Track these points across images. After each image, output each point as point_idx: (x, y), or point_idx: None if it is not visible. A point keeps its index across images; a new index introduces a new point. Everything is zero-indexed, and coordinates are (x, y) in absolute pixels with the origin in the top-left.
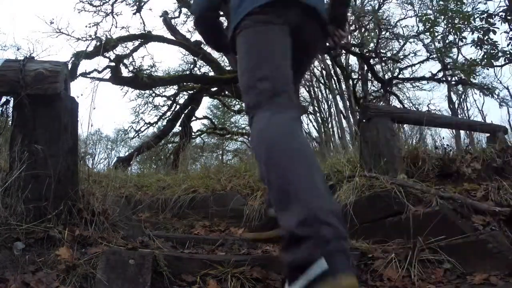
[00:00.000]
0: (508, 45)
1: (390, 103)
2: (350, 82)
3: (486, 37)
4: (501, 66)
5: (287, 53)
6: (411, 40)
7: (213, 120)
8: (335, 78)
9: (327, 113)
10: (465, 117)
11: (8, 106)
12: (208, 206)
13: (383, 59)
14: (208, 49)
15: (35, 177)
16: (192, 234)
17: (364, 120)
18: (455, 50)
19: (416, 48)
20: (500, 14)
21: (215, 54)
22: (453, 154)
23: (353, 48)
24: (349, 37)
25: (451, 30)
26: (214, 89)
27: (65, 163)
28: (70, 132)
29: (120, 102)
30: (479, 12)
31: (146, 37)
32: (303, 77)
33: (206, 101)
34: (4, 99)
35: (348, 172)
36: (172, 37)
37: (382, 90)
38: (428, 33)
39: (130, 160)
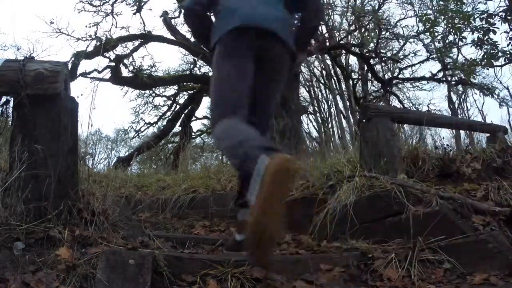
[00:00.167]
0: (508, 45)
1: (390, 103)
2: (350, 82)
3: (486, 37)
4: (501, 66)
5: (245, 77)
6: (411, 40)
7: None
8: (335, 78)
9: (327, 113)
10: (465, 117)
11: (8, 106)
12: (208, 206)
13: (383, 59)
14: None
15: (35, 177)
16: (192, 234)
17: (364, 120)
18: (455, 50)
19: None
20: (500, 14)
21: None
22: (453, 154)
23: (353, 48)
24: (349, 37)
25: (451, 30)
26: None
27: (65, 163)
28: (70, 132)
29: (120, 102)
30: (479, 12)
31: (146, 37)
32: (279, 90)
33: (206, 101)
34: (4, 99)
35: (348, 172)
36: (172, 37)
37: (382, 90)
38: (428, 33)
39: (130, 160)
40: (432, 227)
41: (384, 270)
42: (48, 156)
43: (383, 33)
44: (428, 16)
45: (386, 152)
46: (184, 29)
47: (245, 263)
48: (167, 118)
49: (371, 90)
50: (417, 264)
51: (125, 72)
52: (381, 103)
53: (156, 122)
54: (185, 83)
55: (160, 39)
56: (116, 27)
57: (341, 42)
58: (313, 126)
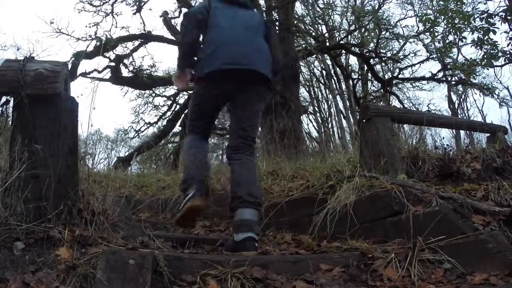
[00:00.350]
0: (508, 45)
1: (390, 103)
2: (350, 82)
3: (486, 37)
4: (501, 66)
5: (213, 112)
6: (411, 40)
7: None
8: (335, 78)
9: (327, 113)
10: (465, 117)
11: (8, 106)
12: (208, 206)
13: (383, 59)
14: None
15: (35, 177)
16: (192, 234)
17: (364, 120)
18: (455, 50)
19: (416, 48)
20: (500, 14)
21: None
22: (453, 154)
23: (353, 48)
24: (349, 37)
25: (451, 30)
26: None
27: (65, 163)
28: (70, 132)
29: (120, 102)
30: (479, 12)
31: (146, 37)
32: (261, 109)
33: None
34: (4, 99)
35: (348, 172)
36: (172, 37)
37: (382, 90)
38: (428, 33)
39: (130, 160)
40: (432, 227)
41: (384, 270)
42: (48, 156)
43: (383, 33)
44: (428, 16)
45: (386, 152)
46: None
47: (245, 263)
48: (167, 118)
49: (371, 90)
50: (417, 264)
51: (125, 72)
52: (381, 103)
53: (156, 122)
54: None
55: (160, 39)
56: (116, 27)
57: (341, 42)
58: (313, 126)
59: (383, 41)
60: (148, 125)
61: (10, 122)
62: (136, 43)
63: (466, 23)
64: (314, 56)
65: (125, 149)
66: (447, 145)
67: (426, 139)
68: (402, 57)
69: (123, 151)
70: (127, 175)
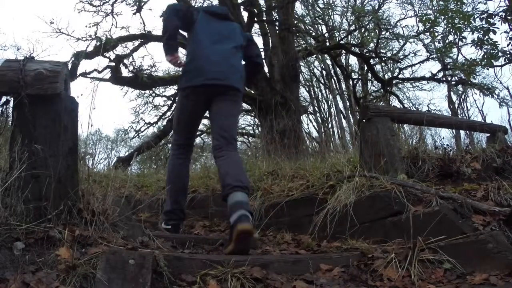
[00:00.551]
0: (508, 45)
1: (390, 103)
2: (350, 82)
3: (486, 37)
4: (501, 66)
5: (196, 120)
6: (411, 40)
7: None
8: (335, 78)
9: (327, 113)
10: (465, 117)
11: (8, 106)
12: (208, 206)
13: (383, 59)
14: None
15: (35, 177)
16: (192, 234)
17: (364, 120)
18: (455, 50)
19: (416, 48)
20: (500, 14)
21: None
22: (453, 154)
23: (353, 48)
24: (349, 37)
25: (451, 30)
26: None
27: (65, 163)
28: (70, 132)
29: (120, 102)
30: (479, 12)
31: (146, 37)
32: (237, 114)
33: None
34: (4, 99)
35: (348, 172)
36: None
37: (382, 90)
38: (428, 33)
39: (130, 160)
40: (432, 227)
41: (384, 270)
42: (48, 156)
43: (383, 33)
44: (428, 16)
45: (386, 152)
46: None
47: (245, 263)
48: (167, 118)
49: (371, 90)
50: (417, 264)
51: (125, 72)
52: (381, 103)
53: (156, 122)
54: None
55: (160, 39)
56: (116, 27)
57: (341, 42)
58: (313, 126)
59: (383, 41)
60: (148, 125)
61: (10, 122)
62: (136, 43)
63: (466, 23)
64: (314, 56)
65: (125, 149)
66: (447, 145)
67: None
68: (402, 57)
69: (123, 151)
70: (127, 175)
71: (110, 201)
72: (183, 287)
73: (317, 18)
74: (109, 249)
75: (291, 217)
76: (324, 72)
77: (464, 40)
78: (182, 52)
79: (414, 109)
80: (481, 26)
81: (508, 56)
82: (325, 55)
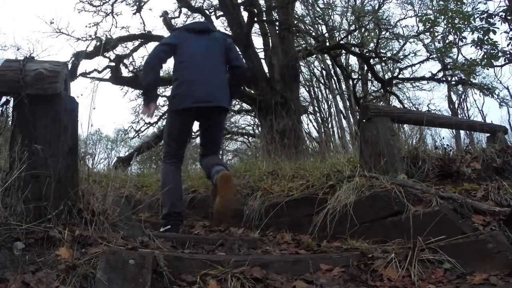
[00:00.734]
0: (508, 45)
1: (390, 103)
2: (350, 82)
3: (486, 37)
4: (501, 66)
5: (185, 135)
6: (411, 40)
7: None
8: (335, 78)
9: (327, 113)
10: (465, 117)
11: (8, 106)
12: (208, 206)
13: (383, 59)
14: None
15: (35, 177)
16: (192, 234)
17: (364, 120)
18: (455, 50)
19: (416, 48)
20: (500, 14)
21: None
22: (453, 154)
23: (353, 48)
24: (349, 37)
25: (451, 30)
26: None
27: (65, 163)
28: (70, 132)
29: (120, 102)
30: (479, 12)
31: (146, 37)
32: (223, 128)
33: None
34: (4, 99)
35: (348, 172)
36: None
37: (382, 90)
38: (428, 33)
39: (130, 160)
40: (432, 227)
41: (384, 270)
42: (48, 156)
43: (383, 33)
44: (428, 16)
45: (386, 152)
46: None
47: (245, 263)
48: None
49: (371, 90)
50: (417, 264)
51: (125, 72)
52: (381, 103)
53: (156, 122)
54: None
55: (160, 39)
56: (116, 27)
57: (341, 42)
58: (313, 126)
59: (383, 41)
60: (148, 125)
61: (10, 122)
62: (136, 43)
63: (466, 23)
64: (314, 56)
65: (125, 149)
66: (447, 145)
67: (426, 139)
68: (402, 57)
69: (123, 151)
70: (127, 175)
71: (110, 201)
72: (183, 287)
73: (317, 18)
74: (109, 249)
75: (291, 217)
76: (324, 72)
77: (464, 40)
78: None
79: (414, 109)
80: (481, 26)
81: (508, 56)
82: (325, 55)
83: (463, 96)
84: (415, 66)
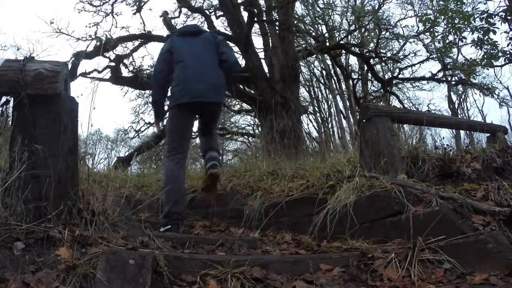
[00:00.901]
0: (508, 45)
1: (390, 103)
2: (350, 82)
3: (486, 37)
4: (501, 66)
5: (186, 128)
6: (411, 40)
7: None
8: (335, 78)
9: (327, 113)
10: (465, 117)
11: (8, 106)
12: (208, 206)
13: (383, 59)
14: None
15: (35, 177)
16: (192, 234)
17: (364, 120)
18: (455, 50)
19: (416, 48)
20: (500, 14)
21: None
22: (453, 154)
23: (353, 48)
24: (349, 37)
25: (451, 30)
26: None
27: (65, 163)
28: (70, 132)
29: (120, 102)
30: (479, 12)
31: (146, 37)
32: (218, 119)
33: None
34: (4, 99)
35: (348, 172)
36: None
37: (382, 90)
38: (428, 33)
39: (130, 160)
40: (432, 227)
41: (384, 270)
42: (48, 156)
43: (383, 33)
44: (428, 16)
45: (386, 152)
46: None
47: (245, 263)
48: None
49: (371, 90)
50: (417, 264)
51: (125, 72)
52: (381, 103)
53: None
54: None
55: (160, 39)
56: (116, 27)
57: (341, 42)
58: (313, 126)
59: (383, 41)
60: (148, 125)
61: (10, 122)
62: (136, 43)
63: (466, 23)
64: (314, 56)
65: (125, 149)
66: (447, 145)
67: (426, 139)
68: (402, 57)
69: (123, 151)
70: (127, 175)
71: (110, 201)
72: (183, 287)
73: (317, 18)
74: (109, 249)
75: (291, 217)
76: (324, 72)
77: (464, 40)
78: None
79: (414, 109)
80: (481, 26)
81: (508, 56)
82: (325, 55)
83: (463, 96)
84: (415, 66)
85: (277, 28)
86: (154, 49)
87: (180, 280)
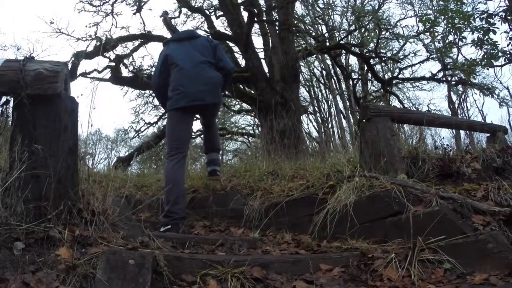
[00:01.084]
0: (508, 45)
1: (390, 103)
2: (350, 82)
3: (486, 37)
4: (501, 66)
5: (186, 129)
6: (411, 40)
7: None
8: (335, 78)
9: (327, 113)
10: (465, 117)
11: (8, 106)
12: (208, 206)
13: (383, 59)
14: None
15: (35, 177)
16: (192, 234)
17: (364, 120)
18: (455, 50)
19: (416, 48)
20: (500, 14)
21: None
22: (453, 154)
23: (353, 48)
24: (349, 37)
25: (451, 30)
26: None
27: (65, 163)
28: (70, 132)
29: (120, 102)
30: (479, 12)
31: (146, 37)
32: (216, 115)
33: None
34: (4, 99)
35: (348, 172)
36: None
37: (382, 90)
38: (428, 33)
39: (130, 160)
40: (432, 227)
41: (384, 270)
42: (48, 156)
43: (383, 33)
44: (428, 16)
45: (386, 152)
46: (184, 29)
47: (245, 263)
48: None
49: (371, 90)
50: (417, 264)
51: (125, 72)
52: (381, 103)
53: (156, 122)
54: None
55: (160, 39)
56: (116, 27)
57: (341, 42)
58: (313, 126)
59: (383, 41)
60: (148, 125)
61: (10, 122)
62: (136, 43)
63: (466, 23)
64: (314, 56)
65: (125, 149)
66: (447, 145)
67: (426, 139)
68: (402, 57)
69: (123, 151)
70: (127, 175)
71: (110, 201)
72: (183, 287)
73: (317, 18)
74: (109, 249)
75: (291, 217)
76: (324, 72)
77: (464, 40)
78: None
79: (414, 109)
80: (481, 26)
81: (508, 56)
82: (325, 55)
83: (463, 96)
84: (415, 66)
85: (277, 28)
86: (154, 49)
87: (180, 280)
